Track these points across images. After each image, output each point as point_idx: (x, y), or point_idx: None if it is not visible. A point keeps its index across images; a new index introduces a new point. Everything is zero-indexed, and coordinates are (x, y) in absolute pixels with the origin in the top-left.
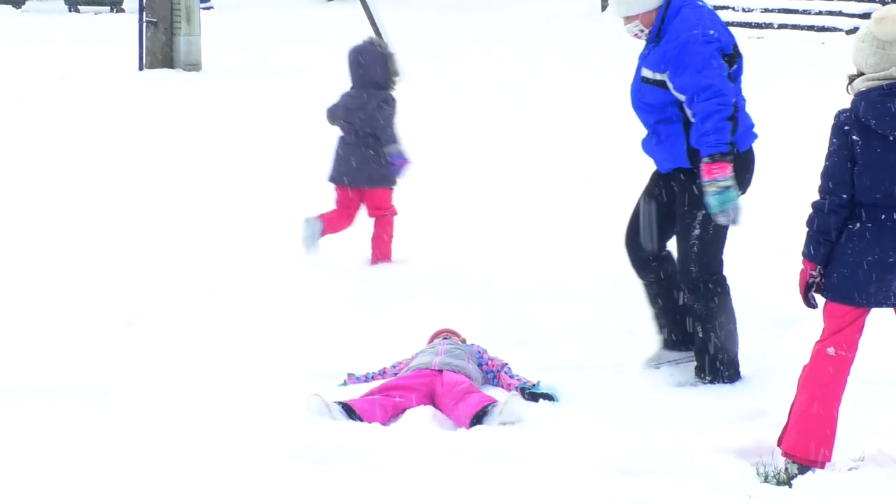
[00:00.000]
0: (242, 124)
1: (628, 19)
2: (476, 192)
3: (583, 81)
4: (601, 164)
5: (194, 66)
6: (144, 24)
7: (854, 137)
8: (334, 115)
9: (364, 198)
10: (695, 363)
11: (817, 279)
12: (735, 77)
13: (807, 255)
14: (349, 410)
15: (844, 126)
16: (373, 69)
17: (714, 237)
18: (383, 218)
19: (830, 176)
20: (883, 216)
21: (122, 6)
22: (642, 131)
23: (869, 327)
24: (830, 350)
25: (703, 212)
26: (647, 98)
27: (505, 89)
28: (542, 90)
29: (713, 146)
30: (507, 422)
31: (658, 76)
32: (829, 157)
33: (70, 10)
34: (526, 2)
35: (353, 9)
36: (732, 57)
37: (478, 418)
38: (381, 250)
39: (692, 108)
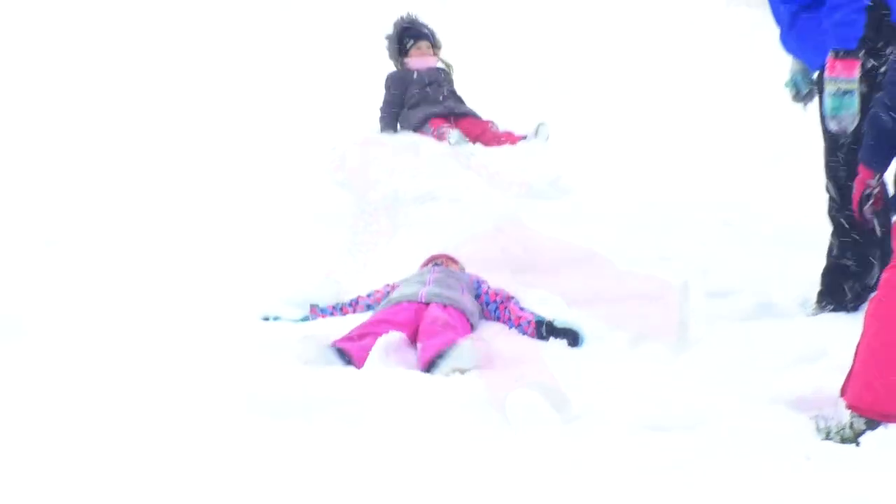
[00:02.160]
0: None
1: None
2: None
3: (567, 40)
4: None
5: None
6: None
7: None
8: None
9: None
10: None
11: (875, 190)
12: None
13: (863, 160)
14: (342, 355)
15: None
16: None
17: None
18: None
19: None
20: None
21: None
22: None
23: None
24: None
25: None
26: None
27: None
28: (530, 53)
29: (840, 41)
30: (458, 368)
31: None
32: None
33: None
34: None
35: None
36: None
37: (434, 363)
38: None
39: None
